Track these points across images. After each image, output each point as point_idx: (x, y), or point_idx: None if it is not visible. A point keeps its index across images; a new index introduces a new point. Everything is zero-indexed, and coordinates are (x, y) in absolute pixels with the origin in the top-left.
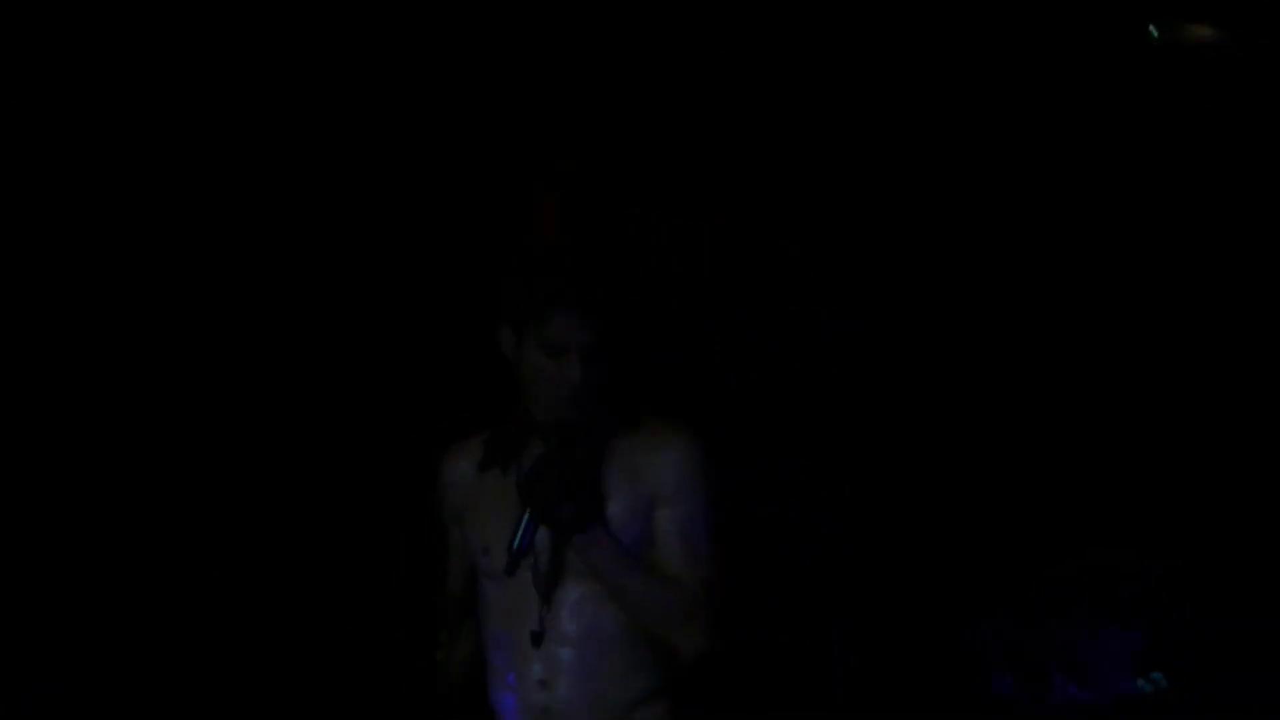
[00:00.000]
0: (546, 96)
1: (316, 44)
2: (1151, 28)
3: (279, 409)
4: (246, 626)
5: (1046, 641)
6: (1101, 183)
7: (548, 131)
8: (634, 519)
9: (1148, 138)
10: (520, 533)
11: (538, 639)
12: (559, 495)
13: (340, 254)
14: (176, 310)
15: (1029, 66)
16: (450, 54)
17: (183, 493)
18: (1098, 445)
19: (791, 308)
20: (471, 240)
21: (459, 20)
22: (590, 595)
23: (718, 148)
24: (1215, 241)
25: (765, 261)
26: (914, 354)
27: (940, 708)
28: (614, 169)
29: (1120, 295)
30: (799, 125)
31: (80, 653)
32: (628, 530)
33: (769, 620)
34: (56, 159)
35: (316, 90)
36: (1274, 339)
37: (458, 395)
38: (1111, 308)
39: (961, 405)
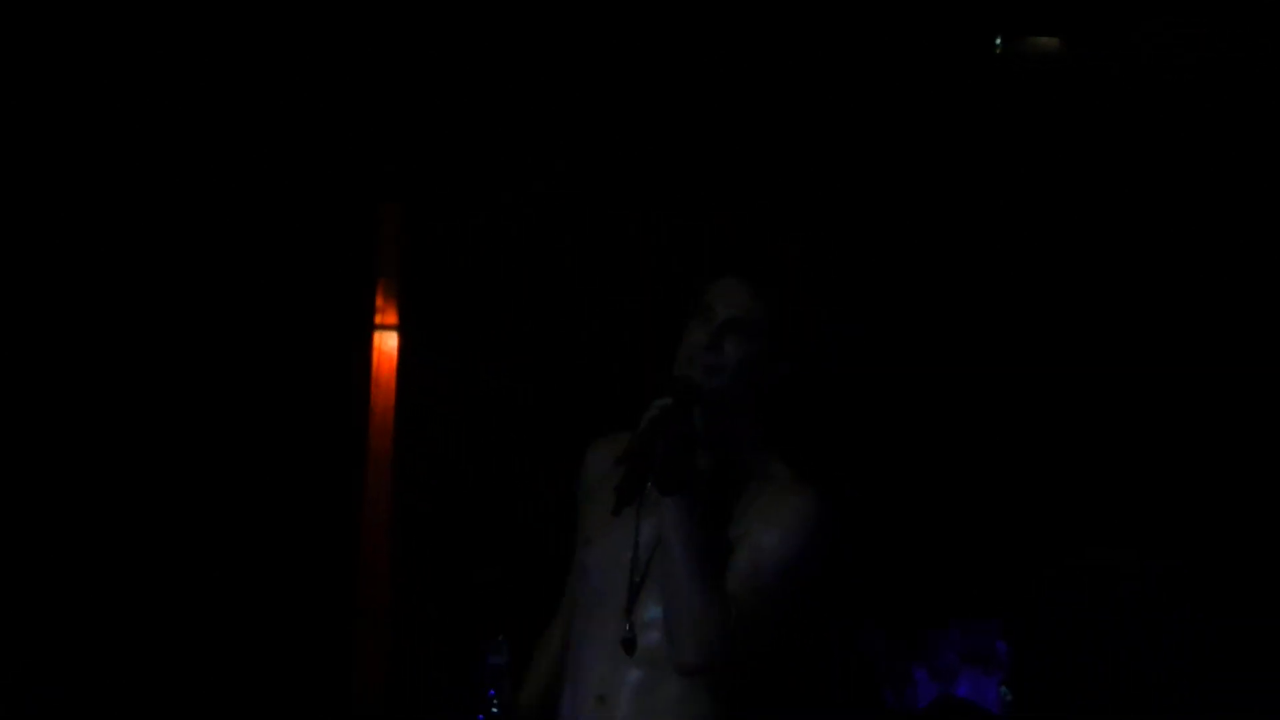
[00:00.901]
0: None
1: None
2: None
3: (279, 411)
4: (246, 627)
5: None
6: (1101, 182)
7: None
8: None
9: (1150, 136)
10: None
11: (630, 646)
12: (673, 445)
13: (337, 258)
14: (173, 315)
15: (1028, 64)
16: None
17: (184, 494)
18: (1098, 445)
19: (791, 308)
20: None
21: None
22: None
23: (718, 148)
24: (1214, 243)
25: (765, 261)
26: (914, 354)
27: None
28: (613, 169)
29: (1120, 295)
30: (798, 125)
31: (80, 653)
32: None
33: None
34: None
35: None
36: (1274, 339)
37: (457, 395)
38: (1111, 308)
39: (961, 405)
